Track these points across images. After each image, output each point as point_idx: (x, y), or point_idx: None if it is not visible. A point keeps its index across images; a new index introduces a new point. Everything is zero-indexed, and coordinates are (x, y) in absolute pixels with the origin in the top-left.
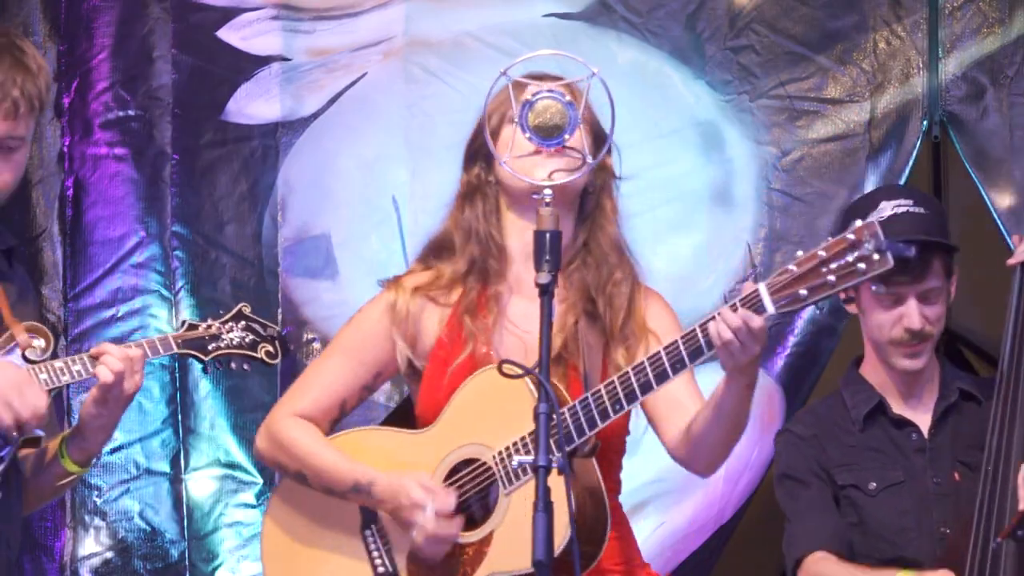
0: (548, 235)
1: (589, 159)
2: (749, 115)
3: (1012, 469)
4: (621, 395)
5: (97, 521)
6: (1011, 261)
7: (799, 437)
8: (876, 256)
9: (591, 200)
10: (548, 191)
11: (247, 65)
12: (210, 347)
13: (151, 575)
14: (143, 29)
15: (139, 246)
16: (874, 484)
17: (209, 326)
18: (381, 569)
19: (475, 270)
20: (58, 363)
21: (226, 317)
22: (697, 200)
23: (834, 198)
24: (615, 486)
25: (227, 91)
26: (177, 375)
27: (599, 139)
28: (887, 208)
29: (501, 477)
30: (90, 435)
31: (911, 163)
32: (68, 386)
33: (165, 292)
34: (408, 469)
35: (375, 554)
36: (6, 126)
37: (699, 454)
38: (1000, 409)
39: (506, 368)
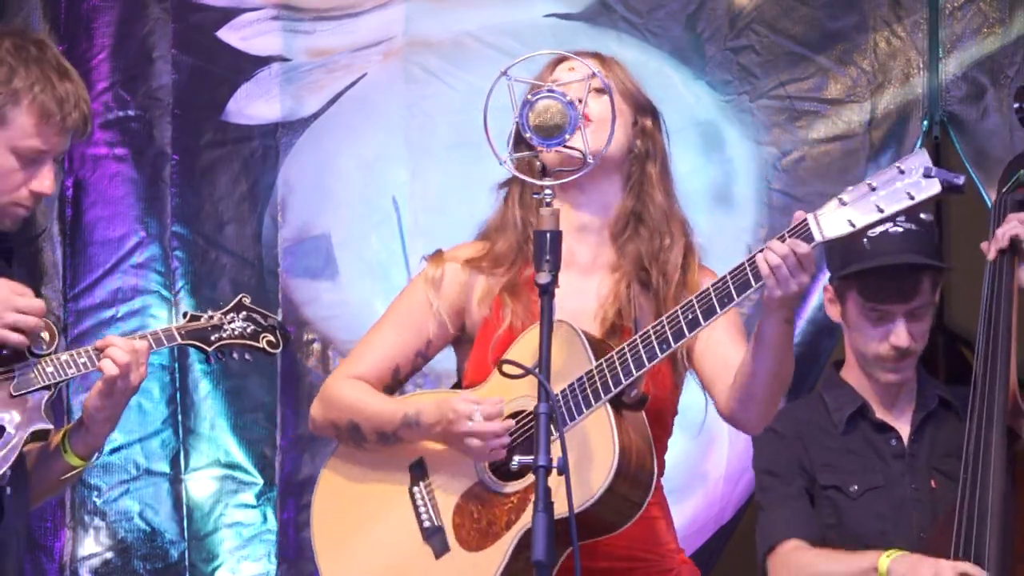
0: (548, 235)
1: (590, 159)
2: (749, 115)
3: (990, 472)
4: (669, 334)
5: (97, 521)
6: (991, 251)
7: (781, 436)
8: (924, 182)
9: (636, 167)
10: (548, 191)
11: (247, 65)
12: (212, 338)
13: (151, 575)
14: (143, 29)
15: (139, 246)
16: (855, 487)
17: (211, 317)
18: (427, 524)
19: (516, 254)
20: (63, 356)
21: (227, 308)
22: (697, 200)
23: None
24: (660, 469)
25: (227, 91)
26: (177, 375)
27: (643, 108)
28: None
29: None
30: (94, 428)
31: None
32: (68, 384)
33: (165, 292)
34: None
35: (421, 510)
36: (65, 140)
37: (747, 404)
38: (976, 411)
39: (506, 368)
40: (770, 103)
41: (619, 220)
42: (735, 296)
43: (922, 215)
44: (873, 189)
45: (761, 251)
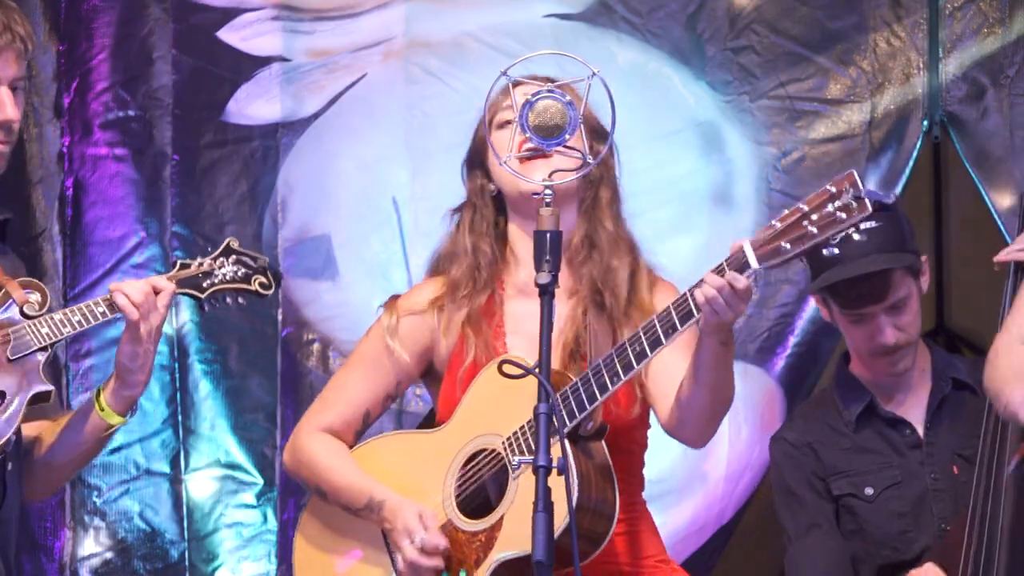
0: (548, 235)
1: (589, 159)
2: (749, 115)
3: (1004, 473)
4: (619, 367)
5: (97, 521)
6: (999, 258)
7: (793, 446)
8: (855, 203)
9: (590, 192)
10: (548, 191)
11: (247, 66)
12: (205, 284)
13: (151, 575)
14: (143, 29)
15: (139, 246)
16: (871, 490)
17: (201, 264)
18: (400, 565)
19: (471, 282)
20: (57, 315)
21: (216, 253)
22: (697, 201)
23: None
24: (639, 482)
25: (227, 92)
26: (177, 375)
27: (597, 133)
28: None
29: (509, 462)
30: (129, 378)
31: (911, 163)
32: (68, 384)
33: None
34: (428, 467)
35: (395, 552)
36: (8, 63)
37: (685, 420)
38: (992, 416)
39: (506, 368)
40: (770, 103)
41: (575, 244)
42: (679, 326)
43: (885, 201)
44: (806, 215)
45: (699, 284)
